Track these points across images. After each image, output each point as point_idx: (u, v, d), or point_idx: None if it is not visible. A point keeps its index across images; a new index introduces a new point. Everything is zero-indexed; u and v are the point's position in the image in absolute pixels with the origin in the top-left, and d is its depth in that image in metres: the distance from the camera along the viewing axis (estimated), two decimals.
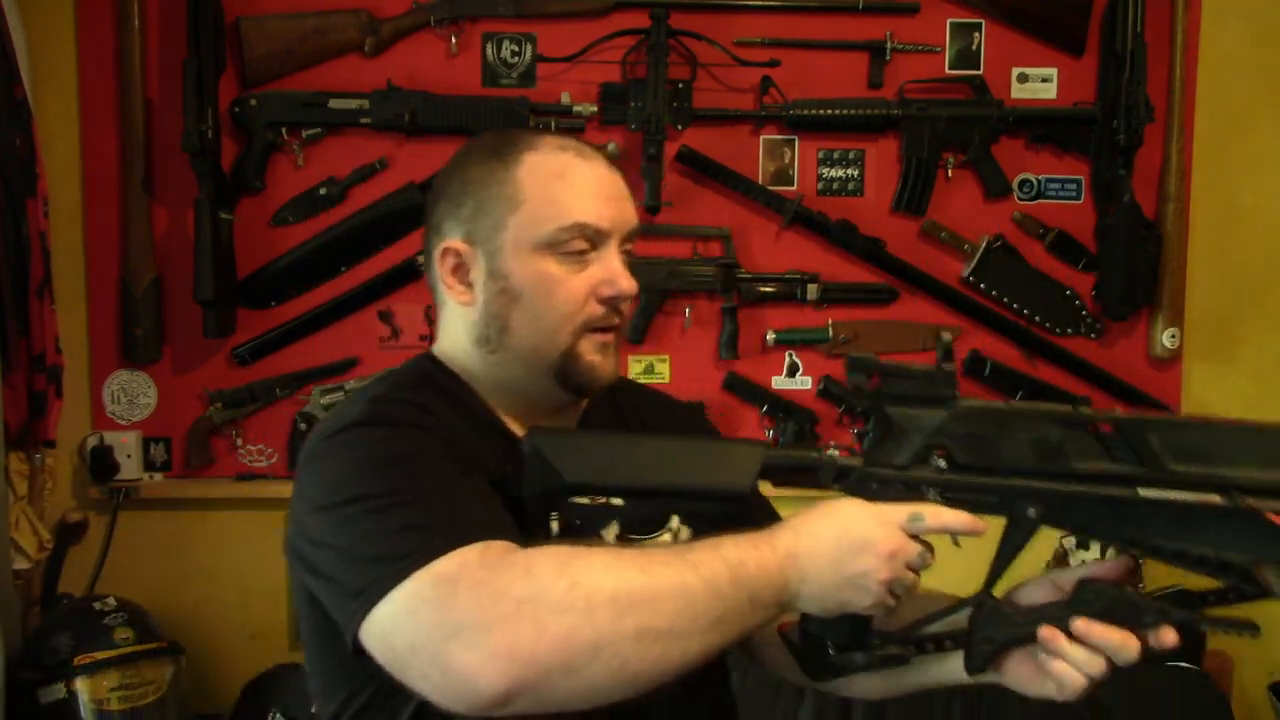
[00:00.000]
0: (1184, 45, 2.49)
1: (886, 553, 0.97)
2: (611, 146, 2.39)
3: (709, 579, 0.93)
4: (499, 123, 2.36)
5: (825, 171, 2.49)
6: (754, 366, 2.49)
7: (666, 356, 2.47)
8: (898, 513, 0.98)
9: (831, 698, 2.40)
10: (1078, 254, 2.52)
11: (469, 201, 1.15)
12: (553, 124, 2.37)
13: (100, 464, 2.38)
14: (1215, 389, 2.59)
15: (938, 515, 0.98)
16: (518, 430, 1.15)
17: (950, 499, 0.99)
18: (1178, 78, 2.48)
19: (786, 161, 2.48)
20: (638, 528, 1.14)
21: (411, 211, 2.34)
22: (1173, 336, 2.51)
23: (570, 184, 1.13)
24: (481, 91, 2.41)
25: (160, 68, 2.36)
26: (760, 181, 2.46)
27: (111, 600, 2.21)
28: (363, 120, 2.35)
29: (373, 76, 2.37)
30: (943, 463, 0.99)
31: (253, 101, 2.34)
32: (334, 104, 2.35)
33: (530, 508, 1.03)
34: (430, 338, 2.42)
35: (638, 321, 2.43)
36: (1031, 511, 0.98)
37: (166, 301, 2.38)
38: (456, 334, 1.18)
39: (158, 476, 2.42)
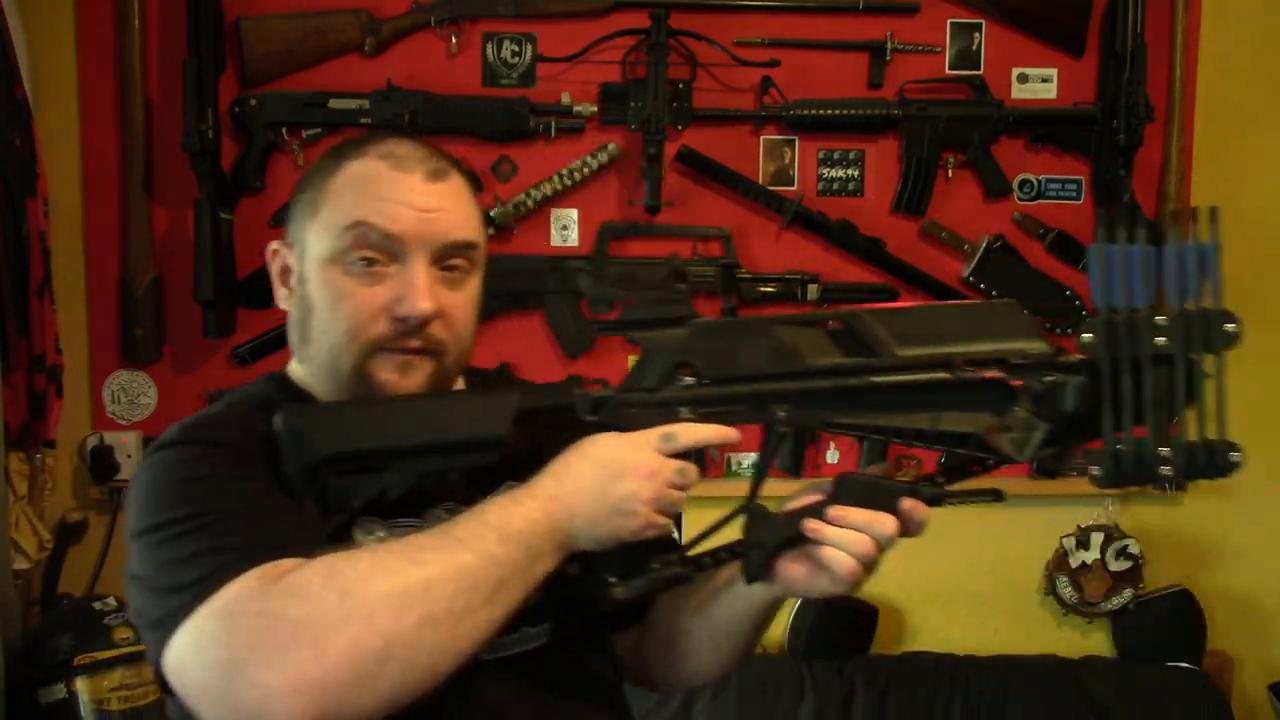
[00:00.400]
0: (1184, 45, 2.49)
1: (645, 473, 0.98)
2: (612, 146, 2.39)
3: (479, 549, 0.93)
4: (499, 123, 2.36)
5: (825, 171, 2.49)
6: None
7: None
8: (650, 435, 1.00)
9: (831, 698, 2.40)
10: (1078, 254, 2.52)
11: (297, 202, 1.13)
12: (553, 124, 2.37)
13: (100, 464, 2.38)
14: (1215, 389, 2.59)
15: (688, 431, 1.01)
16: None
17: (703, 415, 1.02)
18: (1178, 78, 2.48)
19: (786, 161, 2.48)
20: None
21: None
22: None
23: (366, 190, 1.07)
24: (481, 91, 2.40)
25: (160, 68, 2.36)
26: (760, 181, 2.46)
27: (112, 600, 2.21)
28: (363, 120, 2.35)
29: (373, 76, 2.37)
30: (690, 380, 1.03)
31: (253, 101, 2.34)
32: (334, 104, 2.35)
33: (293, 486, 1.00)
34: None
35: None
36: (781, 413, 1.02)
37: (166, 301, 2.38)
38: (291, 337, 1.16)
39: None
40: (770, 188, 2.46)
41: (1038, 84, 2.50)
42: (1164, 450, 0.98)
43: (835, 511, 1.01)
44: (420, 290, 1.06)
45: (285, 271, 1.13)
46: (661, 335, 1.02)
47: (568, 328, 2.41)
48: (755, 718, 2.39)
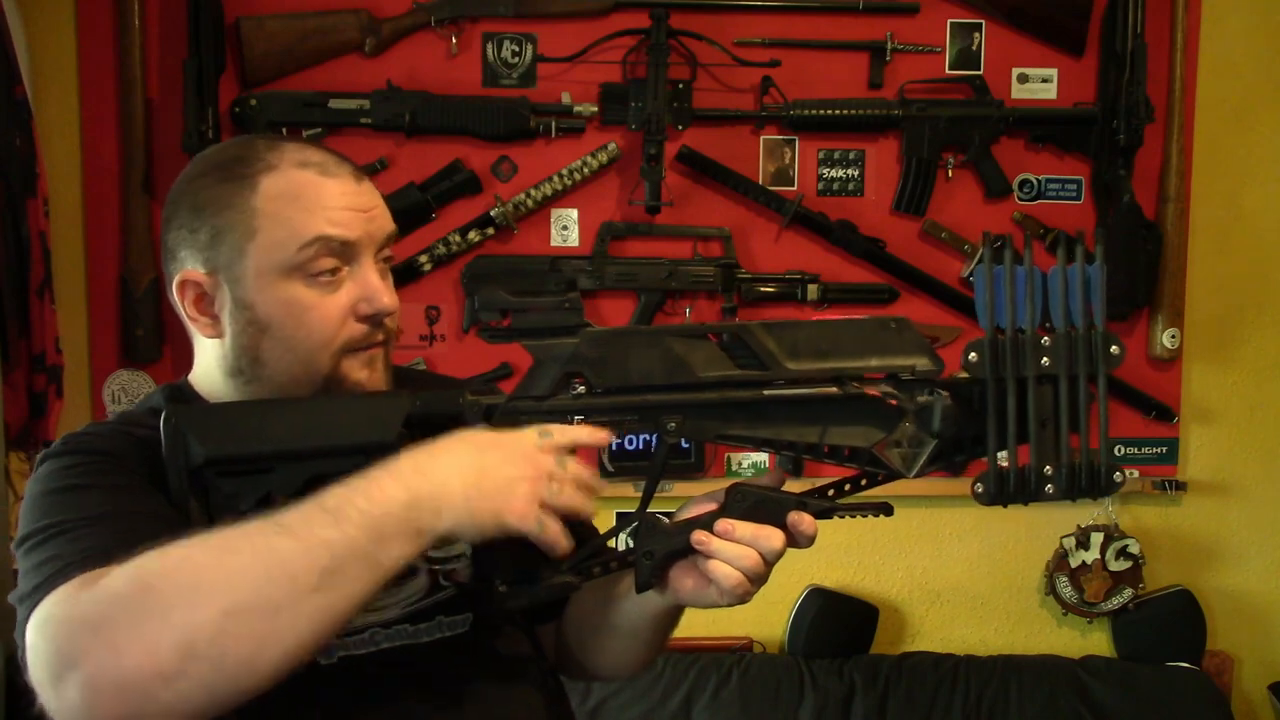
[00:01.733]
0: (1184, 45, 2.49)
1: (524, 455, 0.96)
2: (612, 146, 2.39)
3: (302, 535, 0.88)
4: (499, 123, 2.36)
5: (825, 171, 2.49)
6: None
7: None
8: (527, 430, 0.99)
9: (831, 698, 2.40)
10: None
11: (204, 228, 1.08)
12: (553, 124, 2.37)
13: None
14: (1215, 389, 2.59)
15: (564, 431, 1.00)
16: None
17: (595, 423, 1.02)
18: (1178, 78, 2.49)
19: (786, 161, 2.48)
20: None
21: (412, 212, 2.34)
22: (1173, 336, 2.51)
23: (308, 202, 1.06)
24: (482, 91, 2.40)
25: (160, 68, 2.36)
26: (760, 181, 2.46)
27: None
28: (363, 120, 2.35)
29: (373, 76, 2.37)
30: (582, 390, 1.03)
31: (253, 102, 2.34)
32: (334, 104, 2.35)
33: (174, 487, 1.00)
34: (430, 337, 2.44)
35: (638, 321, 2.43)
36: (671, 424, 1.02)
37: (166, 301, 2.37)
38: (208, 365, 1.13)
39: None
40: (770, 188, 2.46)
41: (1038, 84, 2.50)
42: (1047, 470, 0.98)
43: (723, 525, 1.01)
44: (380, 288, 1.08)
45: (202, 300, 1.10)
46: (553, 344, 1.02)
47: None
48: (755, 717, 2.39)
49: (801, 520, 1.02)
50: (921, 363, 1.02)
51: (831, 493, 1.06)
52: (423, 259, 2.38)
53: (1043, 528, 2.58)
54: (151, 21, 2.35)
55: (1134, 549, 2.54)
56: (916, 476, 1.02)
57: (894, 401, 1.02)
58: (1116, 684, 2.46)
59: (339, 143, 2.38)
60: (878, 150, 2.49)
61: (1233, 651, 2.62)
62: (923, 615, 2.62)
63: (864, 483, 1.05)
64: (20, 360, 2.19)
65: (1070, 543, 2.56)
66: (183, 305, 1.11)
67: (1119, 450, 2.56)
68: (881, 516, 1.05)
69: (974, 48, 2.49)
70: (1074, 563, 2.56)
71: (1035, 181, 2.52)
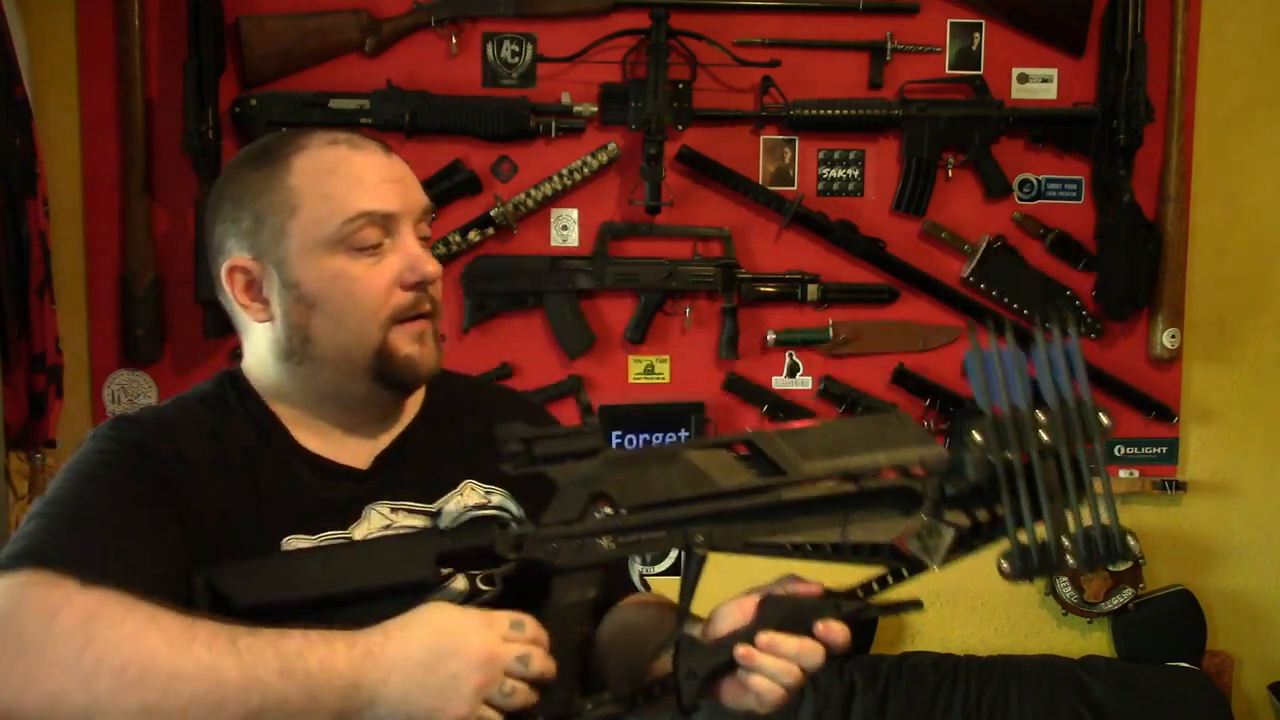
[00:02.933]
0: (1184, 45, 2.49)
1: (480, 658, 0.93)
2: (612, 146, 2.39)
3: (250, 667, 0.88)
4: (499, 123, 2.36)
5: (825, 171, 2.49)
6: (754, 367, 2.49)
7: (667, 357, 2.47)
8: (501, 618, 0.96)
9: (831, 698, 2.40)
10: (1078, 254, 2.52)
11: (245, 215, 1.10)
12: (553, 124, 2.37)
13: None
14: (1215, 389, 2.59)
15: (538, 627, 0.97)
16: (322, 451, 1.13)
17: (623, 543, 1.02)
18: (1178, 78, 2.49)
19: (786, 161, 2.48)
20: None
21: None
22: (1173, 336, 2.51)
23: (345, 176, 1.09)
24: (482, 91, 2.40)
25: (160, 68, 2.36)
26: (760, 181, 2.46)
27: None
28: (363, 120, 2.35)
29: (373, 76, 2.36)
30: (609, 511, 1.02)
31: (253, 102, 2.34)
32: (334, 104, 2.35)
33: None
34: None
35: (638, 321, 2.43)
36: (699, 537, 1.02)
37: (167, 301, 2.38)
38: (261, 353, 1.14)
39: None
40: (770, 188, 2.46)
41: (1038, 84, 2.50)
42: (1067, 542, 1.01)
43: (766, 639, 1.00)
44: (422, 255, 1.10)
45: (251, 286, 1.11)
46: (575, 467, 1.01)
47: (568, 328, 2.41)
48: (754, 717, 2.38)
49: (830, 631, 1.00)
50: (928, 454, 1.04)
51: (861, 593, 1.05)
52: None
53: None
54: (151, 21, 2.35)
55: (1134, 549, 2.54)
56: (943, 566, 1.02)
57: (916, 480, 1.03)
58: (1116, 684, 2.46)
59: None
60: (878, 150, 2.49)
61: (1233, 651, 2.62)
62: (923, 615, 2.61)
63: (891, 580, 1.05)
64: (20, 360, 2.19)
65: None
66: (232, 294, 1.12)
67: (1119, 450, 2.56)
68: (914, 612, 1.06)
69: (974, 48, 2.49)
70: None
71: (1035, 181, 2.52)
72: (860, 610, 1.04)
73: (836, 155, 2.49)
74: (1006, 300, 2.50)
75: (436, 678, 0.92)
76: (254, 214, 1.10)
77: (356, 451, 1.14)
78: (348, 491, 1.12)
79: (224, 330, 2.36)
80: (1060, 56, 2.50)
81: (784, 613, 1.01)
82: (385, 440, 1.16)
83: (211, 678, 0.88)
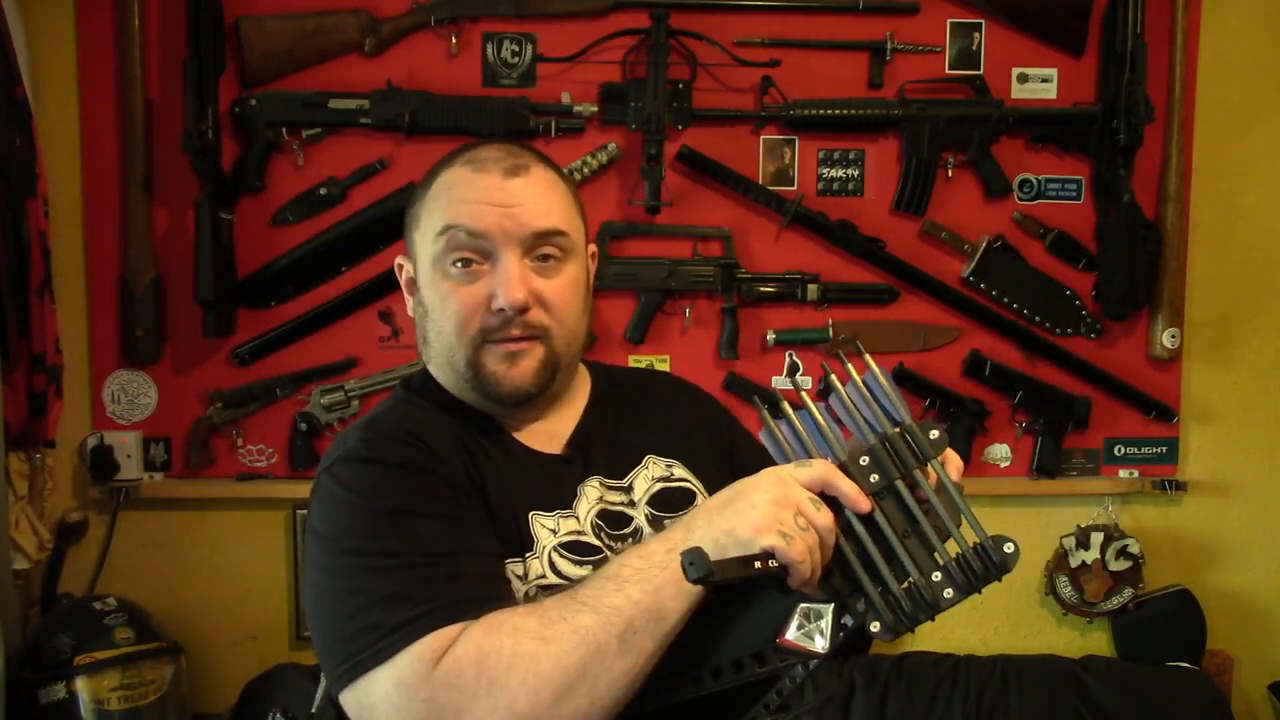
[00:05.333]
0: (1184, 45, 2.49)
1: (774, 482, 0.98)
2: (611, 146, 2.39)
3: (597, 604, 0.97)
4: (499, 123, 2.36)
5: (825, 171, 2.49)
6: (754, 366, 2.49)
7: (667, 356, 2.47)
8: (789, 466, 1.00)
9: (831, 697, 2.40)
10: (1078, 254, 2.52)
11: (409, 216, 1.22)
12: (553, 124, 2.37)
13: (100, 464, 2.38)
14: (1215, 389, 2.59)
15: (827, 467, 0.99)
16: (523, 440, 1.21)
17: None
18: (1178, 78, 2.49)
19: (786, 161, 2.48)
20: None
21: None
22: (1173, 336, 2.51)
23: (454, 195, 1.16)
24: (481, 91, 2.40)
25: (160, 68, 2.36)
26: (760, 181, 2.46)
27: (111, 600, 2.21)
28: (363, 120, 2.35)
29: (373, 76, 2.37)
30: None
31: (253, 101, 2.34)
32: (334, 104, 2.35)
33: None
34: None
35: (638, 321, 2.43)
36: None
37: (166, 301, 2.38)
38: (417, 342, 1.25)
39: (158, 476, 2.42)
40: (770, 188, 2.46)
41: (1038, 84, 2.50)
42: (936, 576, 0.95)
43: None
44: (511, 282, 1.13)
45: (410, 284, 1.23)
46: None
47: None
48: None
49: None
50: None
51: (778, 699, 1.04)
52: None
53: (1043, 528, 2.58)
54: (151, 21, 2.35)
55: (1134, 549, 2.54)
56: (835, 652, 0.99)
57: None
58: (1116, 684, 2.46)
59: (339, 143, 2.39)
60: (878, 150, 2.49)
61: (1233, 651, 2.62)
62: None
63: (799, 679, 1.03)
64: (20, 360, 2.20)
65: (1070, 543, 2.56)
66: (402, 285, 1.25)
67: (1119, 450, 2.56)
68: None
69: (974, 47, 2.49)
70: (1074, 562, 2.56)
71: (1035, 181, 2.52)
72: None
73: (836, 155, 2.49)
74: (1006, 300, 2.50)
75: (735, 505, 0.98)
76: (412, 216, 1.22)
77: (540, 439, 1.22)
78: (560, 473, 1.19)
79: (224, 330, 2.36)
80: (1060, 56, 2.50)
81: None
82: (563, 429, 1.24)
83: (581, 637, 0.96)
